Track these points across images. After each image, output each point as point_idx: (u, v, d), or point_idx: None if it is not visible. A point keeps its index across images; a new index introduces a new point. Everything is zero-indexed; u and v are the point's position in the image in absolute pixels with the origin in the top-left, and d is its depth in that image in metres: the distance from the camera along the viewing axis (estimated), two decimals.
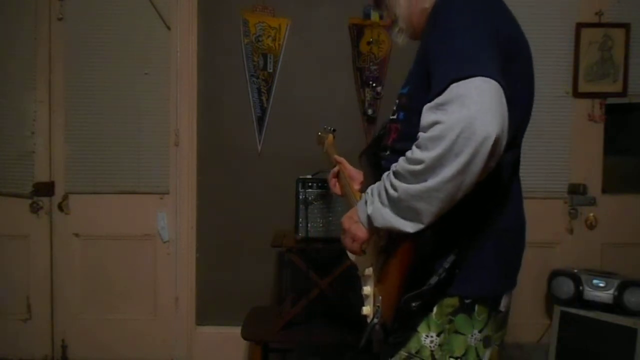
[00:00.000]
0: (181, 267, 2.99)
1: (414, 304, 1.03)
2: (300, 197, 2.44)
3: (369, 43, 2.91)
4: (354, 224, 1.15)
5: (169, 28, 2.92)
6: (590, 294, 2.60)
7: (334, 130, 1.81)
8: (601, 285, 2.59)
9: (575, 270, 2.68)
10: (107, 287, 2.98)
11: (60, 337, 2.99)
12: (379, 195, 1.06)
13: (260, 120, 2.96)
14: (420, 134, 0.95)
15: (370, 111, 2.91)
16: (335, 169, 1.57)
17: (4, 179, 2.94)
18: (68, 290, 2.98)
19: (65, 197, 2.95)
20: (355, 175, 1.51)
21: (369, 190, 1.11)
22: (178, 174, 2.96)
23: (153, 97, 2.94)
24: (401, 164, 0.99)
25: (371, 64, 2.92)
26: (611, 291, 2.55)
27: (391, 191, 1.01)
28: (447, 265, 1.05)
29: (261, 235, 2.85)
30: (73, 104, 2.93)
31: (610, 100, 2.94)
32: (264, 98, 2.95)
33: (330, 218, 2.44)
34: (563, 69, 2.91)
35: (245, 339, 2.45)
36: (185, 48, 2.92)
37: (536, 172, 2.86)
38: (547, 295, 2.80)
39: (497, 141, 0.89)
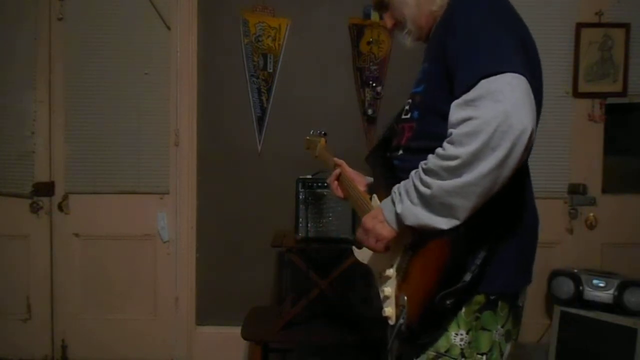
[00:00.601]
0: (181, 267, 2.99)
1: (448, 302, 1.04)
2: (300, 197, 2.44)
3: (369, 43, 2.91)
4: (378, 224, 1.14)
5: (169, 28, 2.92)
6: (590, 294, 2.59)
7: (324, 133, 1.80)
8: (601, 285, 2.58)
9: (575, 270, 2.68)
10: (107, 287, 2.98)
11: (60, 337, 2.99)
12: (407, 193, 1.07)
13: (260, 120, 2.96)
14: (453, 131, 0.97)
15: (370, 111, 2.91)
16: (337, 171, 1.56)
17: (4, 179, 2.94)
18: (68, 290, 2.98)
19: (65, 197, 2.95)
20: (355, 177, 1.50)
21: (395, 189, 1.12)
22: (178, 174, 2.96)
23: (153, 97, 2.94)
24: (433, 161, 1.01)
25: (371, 64, 2.92)
26: (611, 291, 2.55)
27: (422, 189, 1.02)
28: (478, 262, 1.05)
29: (261, 235, 2.85)
30: (73, 104, 2.93)
31: (610, 100, 2.94)
32: (264, 98, 2.95)
33: (330, 218, 2.44)
34: (563, 69, 2.91)
35: (245, 339, 2.45)
36: (185, 48, 2.92)
37: (536, 172, 2.80)
38: (547, 295, 2.80)
39: (531, 134, 0.92)
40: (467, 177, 0.95)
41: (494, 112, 0.92)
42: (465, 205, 0.98)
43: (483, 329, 1.12)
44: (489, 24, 1.04)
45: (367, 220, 1.17)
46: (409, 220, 1.06)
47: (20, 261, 2.96)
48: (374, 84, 2.91)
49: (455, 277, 1.04)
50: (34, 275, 2.97)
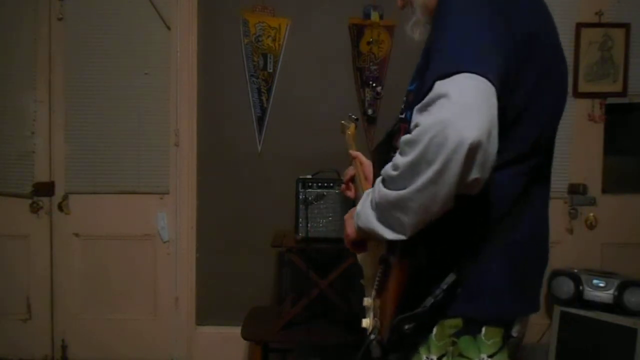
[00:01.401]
0: (181, 267, 2.99)
1: (407, 327, 0.95)
2: (300, 197, 2.44)
3: (369, 43, 2.91)
4: (349, 219, 1.11)
5: (169, 28, 2.92)
6: (590, 294, 2.60)
7: (356, 119, 1.72)
8: (601, 285, 2.59)
9: (575, 270, 2.68)
10: (107, 287, 2.98)
11: (60, 337, 2.99)
12: (369, 195, 1.00)
13: (260, 120, 2.96)
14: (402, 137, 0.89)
15: (370, 111, 2.91)
16: (351, 172, 1.48)
17: (4, 179, 2.94)
18: (68, 290, 2.98)
19: (65, 197, 2.95)
20: (371, 168, 1.40)
21: (370, 189, 1.06)
22: (178, 174, 2.96)
23: (153, 97, 2.94)
24: (385, 168, 0.93)
25: (371, 64, 2.91)
26: (611, 291, 2.55)
27: (375, 194, 0.96)
28: (445, 286, 0.95)
29: (261, 235, 2.85)
30: (73, 104, 2.93)
31: (610, 100, 2.94)
32: (264, 98, 2.95)
33: (330, 218, 2.44)
34: None
35: (245, 339, 2.45)
36: (185, 48, 2.92)
37: None
38: (547, 295, 2.80)
39: (475, 148, 0.79)
40: (404, 190, 0.86)
41: (433, 120, 0.81)
42: (406, 221, 0.89)
43: (461, 355, 1.01)
44: (465, 15, 0.92)
45: (346, 215, 1.13)
46: (361, 222, 1.01)
47: (20, 261, 2.96)
48: (374, 84, 2.91)
49: (414, 302, 0.96)
50: (34, 275, 2.97)
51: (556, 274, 2.70)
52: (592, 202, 2.96)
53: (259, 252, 2.94)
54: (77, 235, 2.97)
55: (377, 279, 1.10)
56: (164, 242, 2.99)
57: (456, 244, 0.98)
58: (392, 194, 0.89)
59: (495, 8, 0.93)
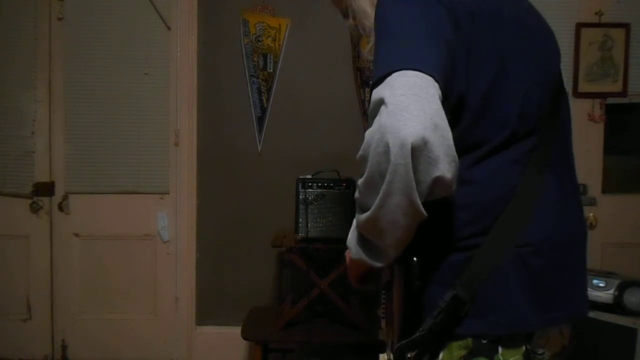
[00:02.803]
0: (181, 267, 2.99)
1: (409, 355, 0.85)
2: (300, 197, 2.44)
3: (369, 43, 2.90)
4: (348, 254, 0.98)
5: (169, 28, 2.92)
6: (590, 294, 2.59)
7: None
8: (601, 285, 2.58)
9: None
10: (107, 287, 2.98)
11: (60, 337, 2.99)
12: (353, 225, 0.91)
13: (260, 120, 2.96)
14: None
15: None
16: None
17: (4, 179, 2.94)
18: (68, 290, 2.98)
19: (65, 197, 2.95)
20: None
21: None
22: (178, 174, 2.96)
23: (153, 97, 2.94)
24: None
25: (371, 64, 2.90)
26: (611, 291, 2.55)
27: (355, 223, 0.88)
28: (443, 305, 0.85)
29: (261, 235, 2.85)
30: (73, 104, 2.93)
31: (610, 100, 2.94)
32: (264, 98, 2.95)
33: (330, 218, 2.44)
34: (563, 69, 2.89)
35: (245, 339, 2.45)
36: (185, 48, 2.92)
37: None
38: None
39: (419, 146, 0.72)
40: (369, 211, 0.79)
41: (372, 130, 0.75)
42: (382, 244, 0.83)
43: None
44: (393, 15, 0.86)
45: (347, 251, 1.01)
46: (353, 255, 0.92)
47: (20, 261, 2.96)
48: None
49: (413, 326, 0.86)
50: (34, 275, 2.97)
51: None
52: (592, 202, 2.96)
53: (259, 252, 2.94)
54: (77, 235, 2.97)
55: (383, 306, 1.03)
56: (164, 242, 2.99)
57: (448, 255, 0.88)
58: (362, 217, 0.82)
59: None
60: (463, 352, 0.87)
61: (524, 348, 0.88)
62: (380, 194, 0.76)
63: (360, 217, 0.83)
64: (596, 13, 2.90)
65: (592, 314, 2.56)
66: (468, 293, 0.85)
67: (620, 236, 2.95)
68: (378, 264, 0.87)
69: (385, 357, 1.03)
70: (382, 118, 0.74)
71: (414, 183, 0.73)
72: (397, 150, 0.71)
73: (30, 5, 2.87)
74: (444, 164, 0.74)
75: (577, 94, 2.92)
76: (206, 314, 3.02)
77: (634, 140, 3.10)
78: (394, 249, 0.84)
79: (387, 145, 0.72)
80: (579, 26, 2.89)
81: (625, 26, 2.89)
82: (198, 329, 3.02)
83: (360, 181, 0.80)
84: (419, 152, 0.72)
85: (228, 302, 2.98)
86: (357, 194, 0.84)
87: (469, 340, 0.87)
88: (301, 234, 2.42)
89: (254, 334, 2.43)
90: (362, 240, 0.88)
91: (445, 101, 0.80)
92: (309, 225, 2.42)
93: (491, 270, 0.86)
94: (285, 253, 2.62)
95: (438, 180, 0.75)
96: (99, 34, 2.91)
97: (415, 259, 0.88)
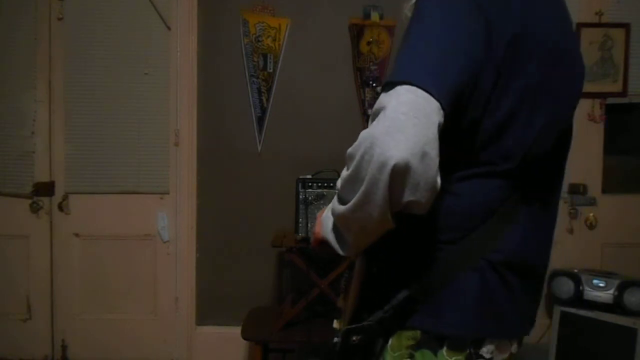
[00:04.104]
0: (181, 267, 2.99)
1: (354, 338, 0.90)
2: (300, 197, 2.44)
3: (369, 43, 2.91)
4: (319, 218, 1.02)
5: (169, 28, 2.92)
6: (590, 294, 2.59)
7: None
8: (601, 285, 2.59)
9: (576, 270, 2.68)
10: (107, 287, 2.98)
11: (60, 337, 2.99)
12: (332, 205, 0.92)
13: (260, 120, 2.96)
14: None
15: (370, 111, 2.91)
16: None
17: (4, 179, 2.94)
18: (68, 290, 2.98)
19: (65, 197, 2.95)
20: None
21: None
22: (178, 174, 2.96)
23: (153, 97, 2.94)
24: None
25: (371, 64, 2.91)
26: (611, 291, 2.55)
27: (332, 205, 0.90)
28: (395, 302, 0.89)
29: (261, 235, 2.85)
30: (73, 104, 2.93)
31: (610, 100, 2.94)
32: (264, 98, 2.95)
33: None
34: None
35: (245, 339, 2.45)
36: (185, 48, 2.92)
37: None
38: (547, 295, 2.80)
39: (401, 170, 0.72)
40: (343, 206, 0.82)
41: (366, 135, 0.76)
42: (347, 239, 0.87)
43: None
44: (436, 7, 0.83)
45: (319, 213, 1.06)
46: (322, 230, 0.96)
47: (20, 261, 2.96)
48: (374, 84, 2.91)
49: (366, 313, 0.92)
50: (34, 275, 2.97)
51: (556, 274, 2.70)
52: (592, 202, 2.96)
53: (259, 252, 2.94)
54: (77, 235, 2.97)
55: (344, 280, 1.08)
56: (164, 242, 2.99)
57: (412, 257, 0.92)
58: (337, 209, 0.85)
59: (467, 8, 0.82)
60: (411, 342, 0.91)
61: (467, 351, 0.91)
62: (355, 200, 0.79)
63: (335, 208, 0.86)
64: (596, 13, 2.90)
65: (592, 314, 2.57)
66: (422, 294, 0.89)
67: (620, 236, 2.96)
68: (340, 252, 0.92)
69: (337, 323, 1.10)
70: (378, 129, 0.74)
71: (388, 198, 0.76)
72: (379, 165, 0.73)
73: (30, 5, 2.87)
74: (422, 191, 0.76)
75: None
76: (206, 314, 3.02)
77: (634, 140, 3.10)
78: (354, 246, 0.89)
79: (372, 157, 0.74)
80: (579, 26, 2.89)
81: (625, 26, 2.89)
82: (198, 329, 3.03)
83: (343, 174, 0.82)
84: (400, 175, 0.73)
85: (228, 302, 2.98)
86: (338, 184, 0.86)
87: (418, 332, 0.91)
88: (301, 234, 2.42)
89: (254, 334, 2.44)
90: (334, 226, 0.92)
91: (452, 121, 0.81)
92: (309, 225, 2.42)
93: (452, 276, 0.90)
94: (285, 253, 2.62)
95: (411, 203, 0.78)
96: (99, 34, 2.90)
97: (381, 251, 0.91)
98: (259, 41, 2.93)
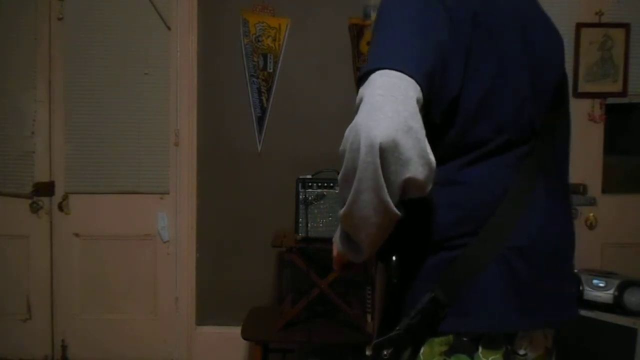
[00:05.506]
0: (181, 267, 2.99)
1: (385, 352, 0.86)
2: (300, 197, 2.44)
3: (369, 43, 2.90)
4: (334, 242, 1.01)
5: (169, 28, 2.92)
6: (590, 294, 2.59)
7: None
8: (601, 285, 2.58)
9: (575, 270, 2.68)
10: (107, 287, 2.98)
11: (60, 337, 2.99)
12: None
13: (260, 120, 2.96)
14: None
15: None
16: None
17: (4, 179, 2.94)
18: (68, 290, 2.98)
19: (65, 197, 2.95)
20: None
21: None
22: (178, 174, 2.96)
23: (153, 97, 2.94)
24: None
25: None
26: (611, 291, 2.55)
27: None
28: (420, 306, 0.86)
29: (261, 235, 2.85)
30: (73, 104, 2.93)
31: (610, 100, 2.94)
32: (264, 98, 2.95)
33: (330, 218, 2.44)
34: None
35: (245, 339, 2.45)
36: (185, 48, 2.92)
37: None
38: None
39: (388, 147, 0.73)
40: (346, 206, 0.81)
41: (349, 127, 0.77)
42: (357, 239, 0.86)
43: None
44: (387, 12, 0.86)
45: (334, 237, 1.05)
46: (337, 246, 0.95)
47: (20, 261, 2.96)
48: None
49: (390, 324, 0.88)
50: (34, 275, 2.97)
51: None
52: (592, 202, 2.96)
53: (259, 252, 2.94)
54: (77, 235, 2.97)
55: (368, 300, 1.06)
56: (164, 242, 2.99)
57: (433, 254, 0.89)
58: (340, 211, 0.84)
59: None
60: (444, 348, 0.88)
61: (504, 348, 0.88)
62: (352, 190, 0.78)
63: (339, 211, 0.85)
64: (596, 13, 2.90)
65: (592, 314, 2.56)
66: (447, 295, 0.86)
67: (620, 236, 2.95)
68: (357, 259, 0.91)
69: (370, 350, 1.05)
70: (359, 116, 0.76)
71: (382, 182, 0.75)
72: (367, 149, 0.73)
73: (30, 5, 2.87)
74: (417, 165, 0.75)
75: (577, 94, 2.92)
76: (206, 314, 3.02)
77: (634, 140, 3.10)
78: (368, 245, 0.87)
79: (359, 143, 0.74)
80: (579, 26, 2.89)
81: (625, 26, 2.89)
82: (198, 329, 3.03)
83: (339, 175, 0.82)
84: (388, 153, 0.73)
85: (228, 302, 2.98)
86: (338, 188, 0.86)
87: (450, 337, 0.88)
88: (301, 234, 2.42)
89: (254, 334, 2.43)
90: (344, 234, 0.91)
91: (431, 103, 0.82)
92: (308, 225, 2.42)
93: (476, 270, 0.87)
94: (285, 253, 2.62)
95: (409, 181, 0.76)
96: (99, 34, 2.90)
97: (394, 257, 0.89)
98: (259, 41, 2.93)
